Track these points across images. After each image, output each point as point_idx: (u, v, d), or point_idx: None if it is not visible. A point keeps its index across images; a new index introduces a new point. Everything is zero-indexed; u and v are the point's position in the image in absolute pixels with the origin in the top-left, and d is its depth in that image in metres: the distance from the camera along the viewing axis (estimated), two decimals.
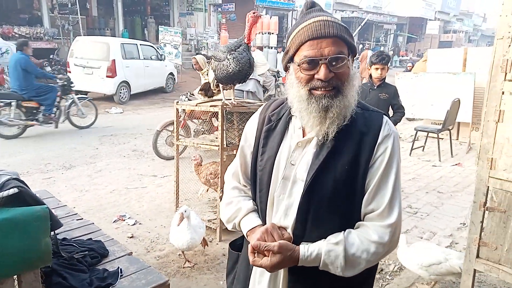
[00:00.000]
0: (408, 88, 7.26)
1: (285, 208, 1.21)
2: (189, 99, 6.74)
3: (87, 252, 2.15)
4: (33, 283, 1.76)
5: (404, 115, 4.29)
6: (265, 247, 1.13)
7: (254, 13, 3.00)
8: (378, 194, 1.17)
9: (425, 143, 6.87)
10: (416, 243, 2.94)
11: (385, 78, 4.20)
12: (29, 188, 1.89)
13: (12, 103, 6.86)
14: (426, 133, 6.70)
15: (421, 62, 8.89)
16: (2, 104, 6.81)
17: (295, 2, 24.06)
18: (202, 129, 5.89)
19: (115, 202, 4.53)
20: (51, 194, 3.13)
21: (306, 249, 1.15)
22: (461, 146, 7.19)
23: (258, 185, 1.29)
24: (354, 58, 1.23)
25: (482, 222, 2.36)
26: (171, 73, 13.63)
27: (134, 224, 3.97)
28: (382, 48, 26.01)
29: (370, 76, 4.20)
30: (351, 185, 1.17)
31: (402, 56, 25.73)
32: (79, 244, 2.23)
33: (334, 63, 1.12)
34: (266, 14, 20.60)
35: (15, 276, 1.73)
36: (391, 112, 4.33)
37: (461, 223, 3.96)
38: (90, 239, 2.39)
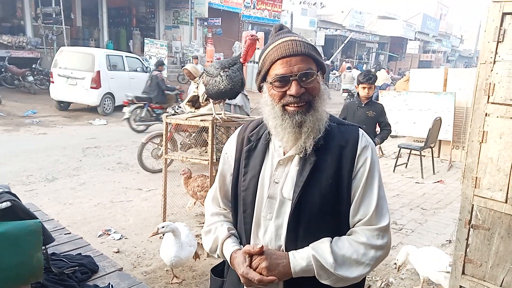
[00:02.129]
0: (391, 106, 7.43)
1: (275, 228, 1.23)
2: (175, 112, 6.74)
3: (77, 267, 2.11)
4: None
5: (390, 132, 4.42)
6: (249, 254, 1.17)
7: (252, 36, 3.05)
8: (363, 203, 1.21)
9: (408, 160, 7.02)
10: (425, 248, 3.10)
11: (372, 96, 4.32)
12: (20, 201, 1.86)
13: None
14: (409, 150, 6.86)
15: (402, 81, 9.14)
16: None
17: (280, 18, 24.49)
18: (189, 142, 5.88)
19: (99, 215, 4.45)
20: (38, 207, 3.07)
21: (295, 252, 1.19)
22: (443, 164, 7.38)
23: (242, 206, 1.29)
24: (324, 75, 1.28)
25: (467, 239, 2.43)
26: None
27: (120, 238, 3.91)
28: (364, 66, 26.58)
29: (358, 94, 4.32)
30: (337, 198, 1.20)
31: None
32: (69, 259, 2.19)
33: (304, 79, 1.17)
34: (251, 29, 20.88)
35: None
36: (378, 129, 4.44)
37: (447, 240, 4.04)
38: (80, 254, 2.34)
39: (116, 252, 3.62)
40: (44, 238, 1.79)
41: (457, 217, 2.52)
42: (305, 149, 1.19)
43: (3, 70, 12.45)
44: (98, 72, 10.74)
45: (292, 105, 1.19)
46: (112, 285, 2.07)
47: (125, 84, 11.79)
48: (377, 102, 4.51)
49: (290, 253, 1.19)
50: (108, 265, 2.31)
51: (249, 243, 1.26)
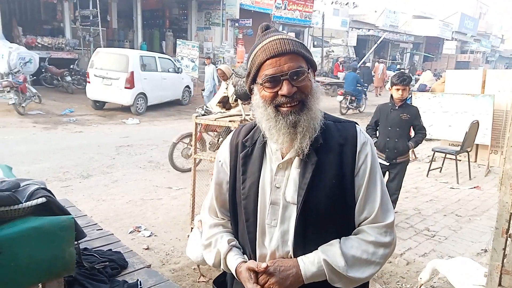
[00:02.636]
0: (425, 108, 7.21)
1: (280, 235, 1.20)
2: (205, 112, 6.82)
3: (107, 262, 2.17)
4: None
5: (425, 136, 4.27)
6: (257, 273, 1.15)
7: None
8: (368, 201, 1.19)
9: (442, 165, 6.78)
10: (461, 258, 2.97)
11: (406, 98, 4.20)
12: (55, 197, 1.93)
13: None
14: (444, 154, 6.63)
15: (439, 83, 8.84)
16: None
17: (312, 19, 24.31)
18: (218, 142, 5.93)
19: (131, 213, 4.56)
20: (72, 203, 3.18)
21: (303, 256, 1.16)
22: (479, 169, 7.08)
23: (244, 215, 1.25)
24: (315, 72, 1.25)
25: (504, 249, 2.31)
26: (187, 86, 13.80)
27: (150, 235, 3.99)
28: (398, 67, 25.92)
29: (391, 96, 4.20)
30: (342, 197, 1.18)
31: (418, 75, 25.61)
32: (100, 255, 2.25)
33: (295, 77, 1.14)
34: (283, 30, 20.83)
35: (40, 284, 1.76)
36: (412, 133, 4.31)
37: (482, 249, 3.87)
38: (110, 250, 2.41)
39: (146, 249, 3.70)
40: (77, 234, 1.85)
41: (493, 225, 2.40)
42: (303, 150, 1.16)
43: (43, 70, 13.00)
44: (132, 73, 11.03)
45: (285, 106, 1.15)
46: (140, 281, 2.11)
47: (158, 84, 12.08)
48: (412, 105, 4.37)
49: (299, 259, 1.16)
50: (137, 262, 2.36)
51: (255, 252, 1.24)
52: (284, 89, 1.13)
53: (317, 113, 1.18)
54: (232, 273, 1.28)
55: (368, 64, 25.63)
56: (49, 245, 1.73)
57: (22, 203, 1.71)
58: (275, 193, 1.20)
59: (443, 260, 3.03)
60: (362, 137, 1.22)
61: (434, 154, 6.61)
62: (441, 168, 6.78)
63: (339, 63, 23.45)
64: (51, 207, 1.81)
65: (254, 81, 1.21)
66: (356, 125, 1.26)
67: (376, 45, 25.79)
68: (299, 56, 1.16)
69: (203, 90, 12.61)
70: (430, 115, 7.17)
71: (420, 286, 3.03)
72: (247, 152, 1.26)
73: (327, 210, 1.17)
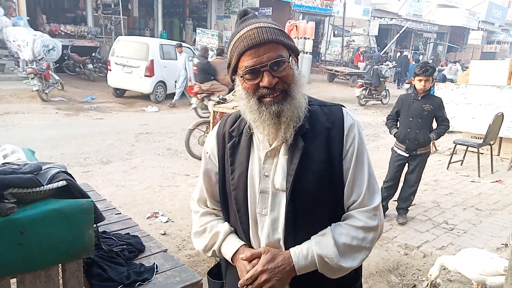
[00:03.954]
0: (448, 99, 7.03)
1: (271, 222, 1.19)
2: (221, 100, 6.85)
3: (125, 246, 2.22)
4: (75, 272, 1.84)
5: (448, 128, 4.16)
6: (251, 257, 1.18)
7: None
8: (356, 183, 1.19)
9: (463, 157, 6.62)
10: (467, 250, 2.95)
11: (429, 89, 4.10)
12: (75, 181, 1.98)
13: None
14: (466, 147, 6.47)
15: (465, 74, 8.59)
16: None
17: (333, 7, 23.91)
18: None
19: (149, 198, 4.64)
20: (92, 188, 3.25)
21: (296, 248, 1.17)
22: (503, 163, 6.89)
23: (235, 205, 1.25)
24: (298, 57, 1.22)
25: None
26: None
27: (167, 221, 4.06)
28: (421, 57, 25.30)
29: (414, 87, 4.11)
30: (331, 181, 1.17)
31: (442, 66, 24.96)
32: (118, 238, 2.30)
33: (275, 68, 1.11)
34: (302, 19, 20.58)
35: (59, 265, 1.82)
36: (435, 125, 4.22)
37: (502, 244, 3.79)
38: (128, 233, 2.46)
39: (163, 234, 3.77)
40: (96, 217, 1.89)
41: None
42: (287, 139, 1.16)
43: (66, 58, 13.25)
44: (152, 61, 11.13)
45: (268, 97, 1.14)
46: (157, 265, 2.15)
47: (177, 72, 12.13)
48: (436, 95, 4.27)
49: (292, 251, 1.16)
50: (154, 246, 2.40)
51: (249, 242, 1.25)
52: (265, 80, 1.11)
53: (301, 100, 1.16)
54: (226, 262, 1.29)
55: (390, 54, 25.10)
56: (69, 227, 1.78)
57: (44, 185, 1.76)
58: (264, 181, 1.20)
59: (451, 256, 2.97)
60: (349, 119, 1.21)
61: (455, 146, 6.46)
62: (462, 161, 6.63)
63: (360, 53, 23.07)
64: (71, 190, 1.86)
65: (235, 72, 1.19)
66: (343, 107, 1.25)
67: (398, 34, 25.26)
68: (279, 44, 1.13)
69: (176, 82, 11.32)
70: (452, 106, 6.99)
71: (431, 282, 2.99)
72: (234, 142, 1.26)
73: (316, 195, 1.16)
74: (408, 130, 4.09)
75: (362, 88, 13.16)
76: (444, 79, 10.82)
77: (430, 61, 25.21)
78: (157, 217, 4.14)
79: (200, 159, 5.20)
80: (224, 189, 1.29)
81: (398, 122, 4.27)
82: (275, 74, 1.12)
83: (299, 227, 1.18)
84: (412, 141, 4.08)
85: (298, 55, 1.23)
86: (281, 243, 1.19)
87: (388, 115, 4.39)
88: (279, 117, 1.14)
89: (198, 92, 8.54)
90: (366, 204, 1.18)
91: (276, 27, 1.16)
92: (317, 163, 1.16)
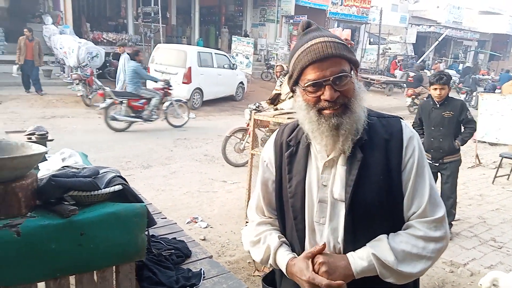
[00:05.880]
0: (492, 110, 6.77)
1: (330, 232, 1.20)
2: (257, 108, 6.90)
3: (173, 250, 2.26)
4: (128, 275, 1.90)
5: (474, 131, 4.01)
6: (312, 256, 1.17)
7: (346, 39, 3.01)
8: (416, 196, 1.18)
9: (511, 172, 6.33)
10: None
11: (446, 96, 3.97)
12: (129, 185, 2.04)
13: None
14: None
15: (510, 84, 8.24)
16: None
17: (369, 15, 23.60)
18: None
19: (188, 203, 4.72)
20: (138, 192, 3.34)
21: (353, 253, 1.16)
22: None
23: (292, 213, 1.26)
24: (358, 69, 1.23)
25: None
26: (241, 82, 13.97)
27: (206, 227, 4.11)
28: (460, 66, 24.47)
29: (431, 95, 4.04)
30: (389, 193, 1.17)
31: (483, 75, 23.99)
32: (166, 242, 2.35)
33: (337, 82, 1.13)
34: (338, 27, 20.44)
35: (114, 267, 1.88)
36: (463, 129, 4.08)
37: None
38: (174, 238, 2.51)
39: (203, 240, 3.81)
40: (148, 221, 1.94)
41: None
42: (344, 151, 1.17)
43: (108, 64, 13.76)
44: (190, 68, 11.37)
45: (328, 109, 1.16)
46: (203, 271, 2.18)
47: (213, 80, 12.33)
48: (456, 98, 4.15)
49: (349, 254, 1.17)
50: (199, 252, 2.44)
51: (303, 250, 1.24)
52: (327, 94, 1.13)
53: (360, 114, 1.18)
54: (280, 270, 1.29)
55: (428, 62, 24.41)
56: (124, 230, 1.84)
57: (101, 189, 1.83)
58: (322, 191, 1.21)
59: (503, 273, 2.83)
60: (408, 131, 1.21)
61: (501, 160, 6.19)
62: (509, 175, 6.33)
63: (396, 61, 22.60)
64: (126, 194, 1.92)
65: (296, 83, 1.21)
66: (401, 119, 1.25)
67: (437, 42, 24.57)
68: (342, 59, 1.15)
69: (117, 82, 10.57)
70: (498, 118, 6.72)
71: None
72: (292, 151, 1.28)
73: (375, 206, 1.16)
74: (432, 139, 4.02)
75: (412, 97, 12.83)
76: (494, 89, 10.29)
77: (468, 68, 24.31)
78: (197, 222, 4.20)
79: (236, 166, 5.27)
80: (281, 197, 1.31)
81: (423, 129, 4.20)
82: (337, 88, 1.14)
83: (358, 237, 1.18)
84: (437, 150, 3.99)
85: (358, 67, 1.25)
86: (341, 252, 1.20)
87: (413, 123, 4.35)
88: (338, 130, 1.16)
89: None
90: (427, 215, 1.17)
91: (340, 41, 1.18)
92: (376, 174, 1.17)
